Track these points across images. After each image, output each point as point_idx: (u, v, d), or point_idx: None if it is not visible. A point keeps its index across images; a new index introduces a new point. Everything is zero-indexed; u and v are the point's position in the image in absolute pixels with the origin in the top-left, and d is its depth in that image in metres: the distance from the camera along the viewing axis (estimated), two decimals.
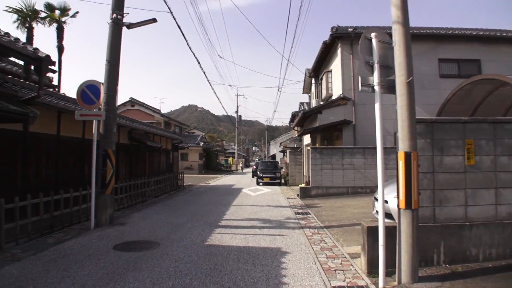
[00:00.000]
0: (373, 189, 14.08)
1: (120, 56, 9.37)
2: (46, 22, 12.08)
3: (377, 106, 4.53)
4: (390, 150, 14.75)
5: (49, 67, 7.50)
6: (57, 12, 13.61)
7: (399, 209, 4.52)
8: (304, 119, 17.79)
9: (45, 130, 9.22)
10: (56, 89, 14.86)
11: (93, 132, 8.43)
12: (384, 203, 7.59)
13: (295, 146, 28.54)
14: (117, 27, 9.27)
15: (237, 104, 53.41)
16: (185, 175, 35.96)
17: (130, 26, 9.52)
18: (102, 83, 8.75)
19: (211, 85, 23.49)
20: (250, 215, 10.41)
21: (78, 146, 10.74)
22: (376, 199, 7.68)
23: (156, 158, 18.29)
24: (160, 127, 36.40)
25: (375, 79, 4.61)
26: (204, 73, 19.60)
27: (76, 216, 9.19)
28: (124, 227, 8.55)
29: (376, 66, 4.60)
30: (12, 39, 6.52)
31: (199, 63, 18.48)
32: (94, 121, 8.46)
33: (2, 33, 6.61)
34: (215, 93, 32.36)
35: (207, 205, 12.48)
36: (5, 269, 5.31)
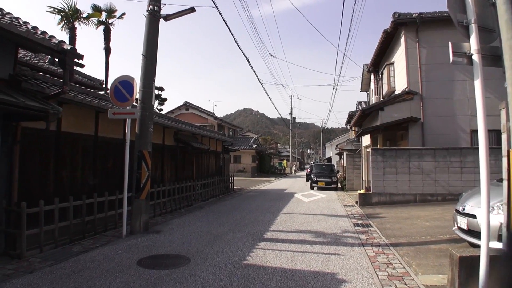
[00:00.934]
0: (445, 197, 12.15)
1: (157, 50, 8.61)
2: (89, 22, 11.74)
3: (477, 84, 3.11)
4: (466, 152, 12.88)
5: (75, 60, 6.84)
6: (103, 14, 13.32)
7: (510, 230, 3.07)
8: (363, 117, 16.12)
9: (81, 130, 8.68)
10: (104, 91, 14.66)
11: (126, 131, 7.70)
12: (470, 217, 6.01)
13: (353, 148, 26.63)
14: (153, 19, 8.52)
15: (291, 105, 52.25)
16: (237, 178, 35.47)
17: (167, 17, 8.74)
18: (135, 79, 7.99)
19: (261, 84, 22.49)
20: (301, 225, 9.14)
21: (118, 148, 10.15)
22: (460, 212, 6.07)
23: (205, 161, 17.61)
24: (213, 129, 36.32)
25: (472, 45, 3.18)
26: (254, 71, 18.68)
27: (112, 222, 8.56)
28: (158, 235, 7.71)
29: (473, 27, 3.18)
30: (30, 28, 5.88)
31: (248, 61, 17.59)
32: (127, 120, 7.72)
33: (21, 22, 6.01)
34: (266, 93, 30.99)
35: (254, 212, 11.39)
36: (11, 283, 4.60)
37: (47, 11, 10.91)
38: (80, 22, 11.35)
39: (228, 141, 21.42)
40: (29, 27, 6.03)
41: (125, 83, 7.76)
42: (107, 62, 13.32)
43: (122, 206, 8.31)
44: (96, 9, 13.02)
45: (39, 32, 6.53)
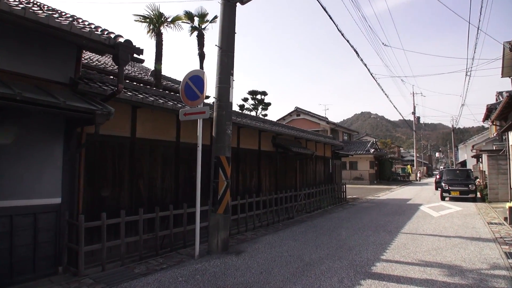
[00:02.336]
0: None
1: (234, 41, 7.33)
2: (175, 26, 11.23)
3: None
4: None
5: (134, 55, 5.94)
6: (196, 19, 12.81)
7: None
8: (509, 106, 12.39)
9: (160, 136, 7.90)
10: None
11: (198, 134, 6.53)
12: None
13: (494, 148, 21.71)
14: (229, 4, 7.28)
15: (413, 103, 46.49)
16: (352, 186, 32.77)
17: (244, 0, 7.42)
18: (205, 72, 6.79)
19: (374, 78, 19.75)
20: (427, 254, 6.71)
21: (205, 154, 9.18)
22: None
23: (310, 167, 15.87)
24: (326, 134, 34.24)
25: None
26: (365, 65, 16.28)
27: (192, 236, 7.50)
28: (236, 258, 6.30)
29: None
30: (69, 17, 5.09)
31: (356, 53, 15.36)
32: (198, 121, 6.56)
33: (56, 14, 5.28)
34: (381, 88, 26.88)
35: (364, 230, 9.21)
36: None
37: (135, 20, 10.75)
38: (165, 26, 10.86)
39: (338, 145, 19.27)
40: (67, 17, 5.26)
41: (195, 78, 6.63)
42: (202, 67, 12.76)
43: (206, 219, 7.25)
44: (188, 15, 12.63)
45: (97, 30, 5.81)
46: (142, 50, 5.95)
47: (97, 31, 5.61)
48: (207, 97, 15.49)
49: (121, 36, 5.69)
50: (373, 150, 35.98)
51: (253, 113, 28.03)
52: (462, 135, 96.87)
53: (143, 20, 10.69)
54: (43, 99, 4.59)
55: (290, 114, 40.64)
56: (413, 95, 46.59)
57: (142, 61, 6.38)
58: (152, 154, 7.75)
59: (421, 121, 51.72)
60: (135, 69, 13.43)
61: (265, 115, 29.83)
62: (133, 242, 6.50)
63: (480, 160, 31.96)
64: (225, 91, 7.03)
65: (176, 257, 6.53)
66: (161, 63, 10.61)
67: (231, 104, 7.12)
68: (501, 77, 21.60)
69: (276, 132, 12.10)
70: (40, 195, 5.70)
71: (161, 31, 10.67)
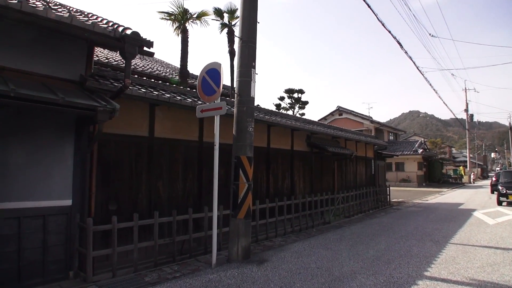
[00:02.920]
0: None
1: (256, 30, 6.68)
2: (202, 22, 10.79)
3: None
4: None
5: (144, 48, 5.49)
6: (225, 15, 12.34)
7: None
8: None
9: (181, 135, 7.45)
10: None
11: (214, 132, 5.96)
12: None
13: None
14: None
15: (466, 100, 43.28)
16: (398, 189, 30.83)
17: None
18: (221, 64, 6.21)
19: (420, 72, 18.26)
20: (480, 271, 5.64)
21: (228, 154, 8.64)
22: None
23: (350, 169, 14.84)
24: (370, 134, 32.61)
25: None
26: (410, 57, 15.03)
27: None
28: (257, 269, 5.65)
29: None
30: (76, 11, 4.68)
31: (400, 44, 14.21)
32: (215, 118, 5.99)
33: (61, 9, 4.93)
34: (430, 84, 24.48)
35: (408, 239, 8.19)
36: None
37: (160, 18, 10.46)
38: (191, 23, 10.46)
39: (381, 145, 18.00)
40: (93, 17, 4.90)
41: (212, 72, 6.07)
42: (232, 65, 12.27)
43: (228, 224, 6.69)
44: (217, 11, 12.20)
45: (102, 22, 5.43)
46: (152, 42, 5.49)
47: (102, 23, 5.22)
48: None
49: (129, 28, 5.26)
50: (421, 150, 33.78)
51: (289, 112, 27.06)
52: None
53: (167, 18, 10.39)
54: (38, 95, 4.23)
55: (332, 114, 39.34)
56: (465, 91, 43.42)
57: (152, 54, 5.92)
58: (172, 155, 7.31)
59: (475, 119, 48.14)
60: (167, 70, 13.23)
61: (303, 114, 28.73)
62: (150, 247, 6.07)
63: None
64: (246, 85, 6.42)
65: (193, 265, 6.01)
66: (186, 61, 10.24)
67: (253, 99, 6.50)
68: None
69: (311, 131, 11.30)
70: (49, 196, 5.44)
71: (187, 28, 10.28)
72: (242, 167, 6.20)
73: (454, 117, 43.07)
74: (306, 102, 30.01)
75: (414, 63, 16.89)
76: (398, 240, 8.01)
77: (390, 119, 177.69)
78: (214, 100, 5.96)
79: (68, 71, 5.63)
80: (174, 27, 10.46)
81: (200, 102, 7.00)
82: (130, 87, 5.99)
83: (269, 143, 9.82)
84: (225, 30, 12.67)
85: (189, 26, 10.51)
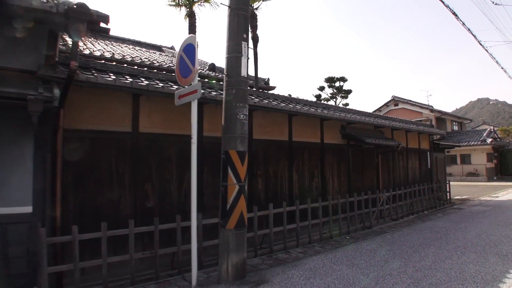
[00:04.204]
0: None
1: None
2: (211, 4, 9.58)
3: None
4: None
5: (100, 25, 4.38)
6: None
7: None
8: None
9: (171, 130, 6.30)
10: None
11: (192, 122, 4.68)
12: None
13: None
14: None
15: None
16: (464, 184, 27.26)
17: None
18: (196, 37, 4.92)
19: (481, 44, 15.34)
20: None
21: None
22: None
23: (399, 163, 12.76)
24: (431, 124, 29.21)
25: None
26: (463, 23, 12.64)
27: (214, 255, 5.78)
28: None
29: None
30: None
31: (455, 15, 11.93)
32: (192, 105, 4.71)
33: None
34: (494, 58, 20.64)
35: (464, 252, 6.28)
36: None
37: (168, 5, 9.39)
38: (199, 6, 9.29)
39: (437, 134, 15.55)
40: None
41: (188, 48, 4.80)
42: (256, 53, 10.95)
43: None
44: None
45: None
46: (107, 16, 4.40)
47: None
48: (272, 87, 13.65)
49: (70, 3, 4.18)
50: (490, 139, 29.73)
51: (331, 103, 24.85)
52: None
53: (173, 3, 9.32)
54: None
55: (386, 105, 36.31)
56: None
57: (107, 30, 4.79)
58: (163, 152, 6.20)
59: None
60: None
61: (346, 104, 26.24)
62: (122, 262, 4.99)
63: None
64: (236, 62, 5.06)
65: (174, 285, 4.82)
66: None
67: (245, 79, 5.12)
68: None
69: (346, 120, 9.60)
70: (8, 203, 4.68)
71: (194, 12, 9.12)
72: (232, 164, 4.87)
73: None
74: (349, 91, 27.38)
75: (474, 36, 14.27)
76: (451, 253, 6.16)
77: (456, 109, 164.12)
78: (191, 82, 4.69)
79: (25, 61, 4.77)
80: (184, 14, 9.34)
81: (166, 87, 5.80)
82: (95, 74, 4.95)
83: (291, 136, 8.35)
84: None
85: (197, 9, 9.37)
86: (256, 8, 11.28)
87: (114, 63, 6.35)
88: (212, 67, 13.61)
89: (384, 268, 5.38)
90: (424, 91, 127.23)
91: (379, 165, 11.37)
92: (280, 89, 58.79)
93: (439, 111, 34.62)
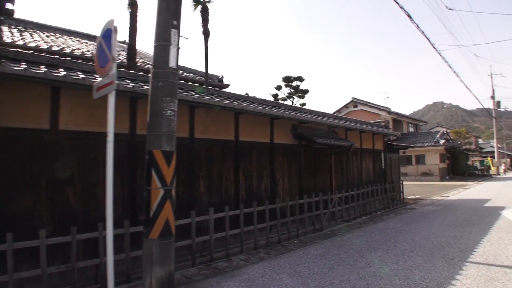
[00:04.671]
0: None
1: None
2: None
3: None
4: None
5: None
6: None
7: None
8: None
9: (99, 128, 5.64)
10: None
11: (108, 117, 4.09)
12: None
13: None
14: None
15: (491, 85, 39.80)
16: (418, 183, 28.05)
17: None
18: (113, 20, 4.32)
19: (434, 47, 15.72)
20: None
21: (183, 149, 6.84)
22: None
23: (352, 164, 12.68)
24: (386, 125, 29.85)
25: None
26: (418, 26, 12.78)
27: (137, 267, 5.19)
28: None
29: None
30: None
31: (410, 17, 11.99)
32: (108, 98, 4.11)
33: None
34: (446, 62, 21.13)
35: (411, 256, 6.09)
36: None
37: None
38: None
39: (391, 135, 15.70)
40: None
41: (107, 34, 4.21)
42: (206, 47, 10.44)
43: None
44: None
45: None
46: None
47: None
48: (226, 85, 13.14)
49: None
50: (443, 141, 30.88)
51: (288, 103, 24.63)
52: None
53: None
54: None
55: (346, 106, 36.97)
56: (491, 76, 39.98)
57: (11, 12, 4.12)
58: (88, 152, 5.53)
59: (502, 106, 44.39)
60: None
61: (303, 104, 26.12)
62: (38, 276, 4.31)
63: None
64: (164, 51, 4.52)
65: None
66: (135, 39, 8.46)
67: (173, 71, 4.59)
68: None
69: (298, 120, 9.28)
70: None
71: (135, 1, 8.46)
72: (156, 166, 4.33)
73: (480, 107, 39.78)
74: (306, 91, 27.19)
75: (428, 39, 14.53)
76: (398, 258, 5.94)
77: (414, 111, 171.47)
78: (108, 72, 4.10)
79: None
80: (125, 2, 8.61)
81: (125, 84, 5.20)
82: (3, 63, 4.25)
83: (238, 135, 7.90)
84: (199, 8, 10.80)
85: None
86: (208, 1, 10.77)
87: (31, 51, 5.59)
88: (128, 52, 12.91)
89: (327, 276, 5.03)
90: (382, 93, 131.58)
91: (332, 165, 11.18)
92: (237, 88, 58.08)
93: (396, 113, 35.59)
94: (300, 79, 26.67)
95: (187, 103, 6.38)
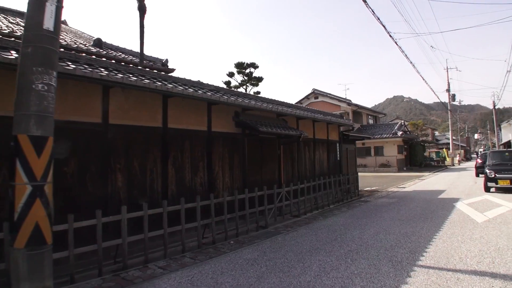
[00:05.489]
0: None
1: None
2: None
3: None
4: None
5: None
6: None
7: None
8: None
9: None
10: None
11: None
12: None
13: None
14: None
15: (447, 79, 40.93)
16: (378, 174, 28.31)
17: None
18: None
19: (392, 37, 15.44)
20: None
21: (91, 137, 5.84)
22: None
23: (304, 155, 12.04)
24: (340, 115, 29.66)
25: None
26: (373, 12, 12.26)
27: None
28: None
29: None
30: None
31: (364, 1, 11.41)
32: None
33: None
34: (403, 52, 21.26)
35: (355, 259, 5.44)
36: None
37: None
38: None
39: (346, 125, 15.22)
40: None
41: None
42: (142, 25, 9.35)
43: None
44: None
45: None
46: None
47: None
48: (171, 69, 12.13)
49: None
50: (401, 132, 31.31)
51: (241, 91, 23.63)
52: (502, 115, 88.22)
53: None
54: None
55: (307, 97, 36.66)
56: (447, 70, 41.13)
57: None
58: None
59: (457, 99, 45.83)
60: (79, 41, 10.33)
61: (258, 92, 25.20)
62: None
63: None
64: (37, 9, 3.50)
65: None
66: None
67: (50, 35, 3.57)
68: None
69: (241, 106, 8.42)
70: None
71: None
72: (22, 155, 3.32)
73: (437, 101, 40.89)
74: (261, 78, 26.25)
75: (384, 26, 14.19)
76: (341, 261, 5.26)
77: (375, 105, 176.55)
78: None
79: None
80: None
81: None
82: None
83: (166, 122, 6.92)
84: None
85: None
86: None
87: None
88: (98, 42, 11.67)
89: (261, 280, 4.23)
90: (342, 84, 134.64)
91: (281, 157, 10.45)
92: (184, 73, 56.46)
93: (356, 105, 35.75)
94: (253, 65, 25.61)
95: (96, 82, 5.32)
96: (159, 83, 6.10)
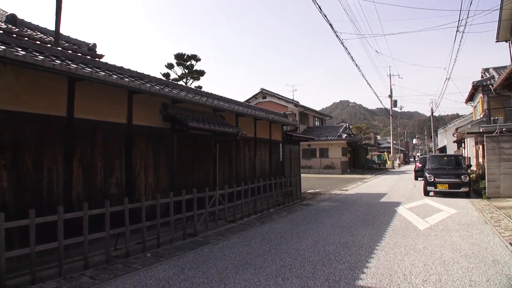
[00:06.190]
0: None
1: None
2: None
3: None
4: None
5: None
6: None
7: None
8: None
9: None
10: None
11: None
12: None
13: (482, 130, 17.92)
14: None
15: (390, 86, 42.66)
16: (322, 176, 28.46)
17: None
18: None
19: (338, 37, 15.23)
20: None
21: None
22: None
23: (244, 155, 11.31)
24: (284, 114, 29.56)
25: None
26: (320, 9, 11.85)
27: None
28: None
29: None
30: None
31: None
32: None
33: None
34: (345, 48, 21.92)
35: (289, 275, 4.76)
36: None
37: None
38: None
39: (290, 124, 14.73)
40: None
41: None
42: (59, 6, 8.07)
43: None
44: None
45: None
46: None
47: None
48: (100, 55, 10.86)
49: None
50: (345, 135, 31.80)
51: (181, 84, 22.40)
52: (437, 122, 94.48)
53: None
54: None
55: (255, 97, 36.15)
56: (390, 77, 42.79)
57: None
58: None
59: (398, 105, 47.86)
60: None
61: (199, 87, 24.09)
62: None
63: (463, 146, 28.28)
64: None
65: None
66: None
67: None
68: (497, 41, 17.55)
69: (169, 97, 7.43)
70: None
71: None
72: None
73: (380, 106, 42.35)
74: (202, 72, 24.96)
75: (331, 25, 13.86)
76: (270, 281, 4.53)
77: (322, 108, 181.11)
78: None
79: None
80: None
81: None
82: None
83: (72, 111, 5.80)
84: None
85: None
86: None
87: None
88: (12, 18, 10.09)
89: None
90: (290, 85, 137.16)
91: (217, 156, 9.61)
92: (118, 61, 53.77)
93: (303, 107, 35.82)
94: (195, 58, 24.25)
95: None
96: (58, 62, 5.00)
